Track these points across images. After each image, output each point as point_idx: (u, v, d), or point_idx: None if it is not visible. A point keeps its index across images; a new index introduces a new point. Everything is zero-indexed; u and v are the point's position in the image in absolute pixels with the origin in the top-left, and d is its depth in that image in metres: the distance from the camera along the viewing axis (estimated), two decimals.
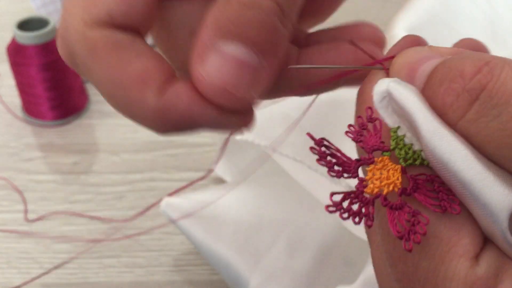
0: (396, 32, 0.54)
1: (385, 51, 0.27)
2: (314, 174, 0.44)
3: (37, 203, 0.57)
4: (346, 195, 0.21)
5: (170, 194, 0.50)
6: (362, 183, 0.21)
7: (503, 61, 0.20)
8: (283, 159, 0.46)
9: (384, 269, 0.23)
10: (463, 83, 0.20)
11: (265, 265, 0.46)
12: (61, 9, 0.68)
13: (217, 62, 0.21)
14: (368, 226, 0.20)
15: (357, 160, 0.22)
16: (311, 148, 0.22)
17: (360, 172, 0.23)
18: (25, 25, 0.62)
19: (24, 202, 0.56)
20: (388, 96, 0.22)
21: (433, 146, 0.21)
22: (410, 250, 0.20)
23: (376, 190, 0.21)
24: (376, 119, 0.23)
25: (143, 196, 0.58)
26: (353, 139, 0.23)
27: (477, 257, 0.21)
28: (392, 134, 0.23)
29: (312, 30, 0.29)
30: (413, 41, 0.25)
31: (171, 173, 0.60)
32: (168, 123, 0.23)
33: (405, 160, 0.22)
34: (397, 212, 0.21)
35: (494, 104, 0.20)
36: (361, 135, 0.23)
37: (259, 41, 0.22)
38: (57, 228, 0.55)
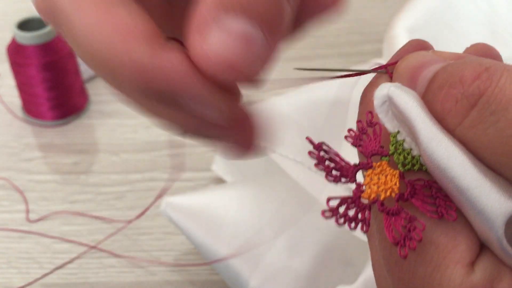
0: (396, 32, 0.54)
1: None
2: (314, 175, 0.44)
3: (37, 203, 0.57)
4: (343, 200, 0.21)
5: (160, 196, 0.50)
6: (360, 188, 0.21)
7: (502, 67, 0.20)
8: (283, 160, 0.46)
9: (383, 273, 0.23)
10: (462, 89, 0.20)
11: (265, 265, 0.46)
12: None
13: (221, 37, 0.20)
14: (364, 232, 0.20)
15: (355, 165, 0.22)
16: (310, 153, 0.22)
17: (360, 176, 0.23)
18: (25, 25, 0.62)
19: (26, 202, 0.56)
20: (388, 101, 0.23)
21: (431, 152, 0.21)
22: (405, 257, 0.20)
23: (373, 195, 0.21)
24: (376, 123, 0.23)
25: (143, 196, 0.58)
26: (352, 144, 0.23)
27: (473, 264, 0.21)
28: (391, 139, 0.23)
29: None
30: (418, 45, 0.25)
31: (171, 173, 0.60)
32: (150, 87, 0.20)
33: (404, 165, 0.22)
34: (393, 218, 0.21)
35: (492, 110, 0.20)
36: (361, 140, 0.23)
37: (265, 18, 0.20)
38: (57, 228, 0.55)
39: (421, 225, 0.20)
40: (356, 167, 0.22)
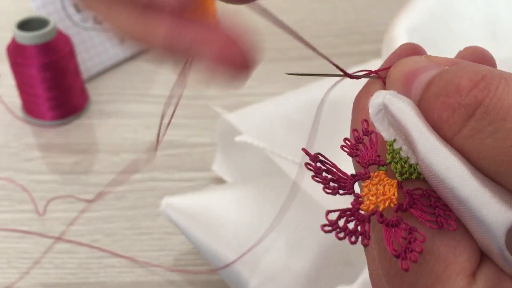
0: (396, 33, 0.54)
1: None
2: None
3: (37, 203, 0.57)
4: (342, 212, 0.21)
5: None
6: (358, 199, 0.21)
7: (499, 75, 0.20)
8: (282, 161, 0.46)
9: (381, 283, 0.23)
10: (459, 98, 0.20)
11: (265, 265, 0.46)
12: (61, 8, 0.68)
13: None
14: (364, 245, 0.20)
15: (353, 176, 0.22)
16: (306, 164, 0.22)
17: (357, 187, 0.22)
18: (25, 25, 0.62)
19: (32, 200, 0.56)
20: (384, 109, 0.22)
21: (429, 162, 0.20)
22: (407, 270, 0.20)
23: (372, 206, 0.21)
24: (372, 132, 0.23)
25: (143, 196, 0.58)
26: (349, 154, 0.23)
27: (474, 274, 0.20)
28: (388, 147, 0.23)
29: None
30: (411, 50, 0.25)
31: (171, 173, 0.60)
32: None
33: (401, 174, 0.22)
34: (393, 229, 0.20)
35: (490, 120, 0.20)
36: (357, 149, 0.23)
37: None
38: (57, 228, 0.55)
39: (422, 236, 0.20)
40: (354, 178, 0.22)
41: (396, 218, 0.21)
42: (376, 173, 0.22)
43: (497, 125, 0.19)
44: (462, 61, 0.23)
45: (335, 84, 0.26)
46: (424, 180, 0.22)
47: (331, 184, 0.22)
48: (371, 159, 0.22)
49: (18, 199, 0.58)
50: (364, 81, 0.26)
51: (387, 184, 0.22)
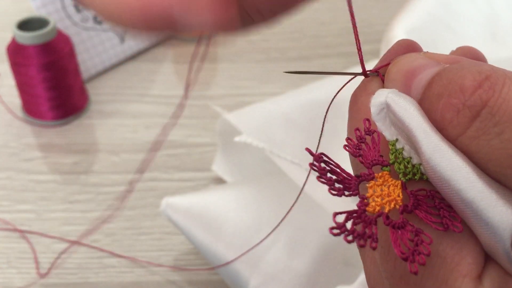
0: (396, 33, 0.54)
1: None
2: (312, 176, 0.44)
3: (37, 203, 0.57)
4: (349, 215, 0.20)
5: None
6: (363, 201, 0.21)
7: (503, 75, 0.20)
8: (281, 161, 0.46)
9: (379, 286, 0.23)
10: (463, 99, 0.20)
11: (265, 265, 0.46)
12: (61, 8, 0.68)
13: None
14: (373, 248, 0.20)
15: (357, 177, 0.22)
16: (311, 165, 0.21)
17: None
18: (25, 25, 0.62)
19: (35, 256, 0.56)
20: (386, 108, 0.22)
21: (434, 164, 0.20)
22: (416, 273, 0.19)
23: (377, 208, 0.21)
24: (374, 131, 0.22)
25: (143, 196, 0.58)
26: (352, 154, 0.22)
27: (480, 276, 0.20)
28: (390, 147, 0.22)
29: None
30: (408, 46, 0.24)
31: (171, 173, 0.60)
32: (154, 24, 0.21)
33: (405, 174, 0.22)
34: (399, 232, 0.20)
35: (495, 122, 0.19)
36: (359, 149, 0.22)
37: None
38: (57, 228, 0.55)
39: (428, 238, 0.20)
40: (358, 179, 0.21)
41: (402, 220, 0.20)
42: (380, 174, 0.22)
43: (503, 126, 0.19)
44: (462, 58, 0.23)
45: (345, 85, 0.26)
46: (428, 181, 0.21)
47: (336, 185, 0.21)
48: (375, 159, 0.22)
49: (18, 199, 0.58)
50: (359, 80, 0.25)
51: (391, 185, 0.21)
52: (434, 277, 0.20)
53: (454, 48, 0.25)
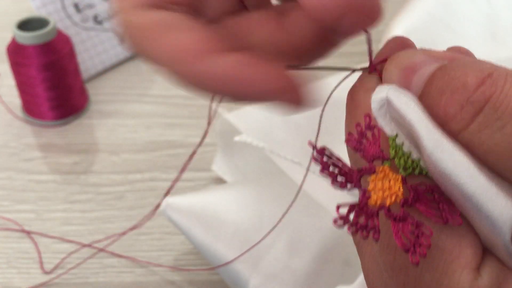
0: (395, 33, 0.54)
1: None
2: (312, 175, 0.44)
3: (37, 203, 0.57)
4: (352, 207, 0.21)
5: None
6: (365, 194, 0.21)
7: (505, 72, 0.20)
8: (281, 160, 0.46)
9: (378, 280, 0.23)
10: (466, 95, 0.20)
11: (265, 265, 0.46)
12: (61, 8, 0.68)
13: None
14: (375, 240, 0.20)
15: (358, 170, 0.22)
16: (314, 158, 0.22)
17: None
18: (25, 25, 0.62)
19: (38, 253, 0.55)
20: (387, 104, 0.22)
21: (436, 158, 0.20)
22: (417, 264, 0.20)
23: (379, 201, 0.21)
24: (375, 126, 0.23)
25: (143, 196, 0.58)
26: (354, 148, 0.23)
27: (478, 268, 0.21)
28: (391, 142, 0.23)
29: None
30: (402, 43, 0.25)
31: (171, 173, 0.60)
32: (210, 88, 0.23)
33: (405, 169, 0.22)
34: (401, 224, 0.20)
35: (498, 116, 0.20)
36: (361, 144, 0.23)
37: None
38: (57, 228, 0.55)
39: (429, 230, 0.20)
40: (360, 172, 0.22)
41: (403, 212, 0.21)
42: (381, 168, 0.22)
43: (505, 120, 0.20)
44: (460, 56, 0.23)
45: (344, 79, 0.27)
46: (427, 176, 0.22)
47: (339, 178, 0.22)
48: (376, 154, 0.22)
49: (18, 199, 0.58)
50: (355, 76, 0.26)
51: (392, 179, 0.22)
52: (433, 269, 0.21)
53: None
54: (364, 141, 0.23)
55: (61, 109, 0.65)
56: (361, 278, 0.41)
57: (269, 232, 0.43)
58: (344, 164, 0.22)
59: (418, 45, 0.25)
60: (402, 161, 0.22)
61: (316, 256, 0.46)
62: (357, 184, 0.22)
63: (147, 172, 0.60)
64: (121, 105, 0.69)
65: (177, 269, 0.51)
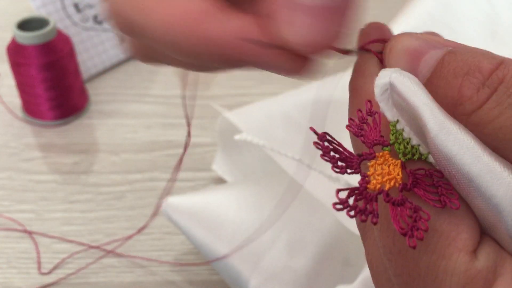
0: (395, 33, 0.54)
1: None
2: (313, 172, 0.44)
3: (37, 203, 0.57)
4: (351, 191, 0.21)
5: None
6: (365, 179, 0.21)
7: None
8: (282, 158, 0.46)
9: (380, 265, 0.23)
10: (482, 79, 0.21)
11: (265, 265, 0.46)
12: (61, 8, 0.68)
13: (304, 19, 0.22)
14: (374, 223, 0.20)
15: (359, 155, 0.22)
16: (315, 143, 0.22)
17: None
18: (25, 25, 0.62)
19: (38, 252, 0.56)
20: (390, 89, 0.22)
21: (441, 139, 0.21)
22: (414, 247, 0.20)
23: (378, 186, 0.21)
24: (376, 112, 0.23)
25: (143, 196, 0.58)
26: (354, 134, 0.23)
27: (475, 251, 0.21)
28: (391, 128, 0.23)
29: None
30: (380, 28, 0.26)
31: (171, 173, 0.60)
32: (225, 57, 0.23)
33: (404, 154, 0.22)
34: (399, 208, 0.21)
35: (510, 93, 0.21)
36: (361, 129, 0.23)
37: None
38: (57, 228, 0.55)
39: (426, 215, 0.20)
40: (360, 158, 0.22)
41: (401, 197, 0.21)
42: (381, 153, 0.22)
43: None
44: (461, 44, 0.24)
45: (336, 59, 0.27)
46: (426, 161, 0.22)
47: (339, 163, 0.22)
48: (376, 139, 0.23)
49: (18, 199, 0.58)
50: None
51: (391, 164, 0.22)
52: (431, 252, 0.21)
53: None
54: (365, 126, 0.23)
55: (61, 109, 0.65)
56: (361, 278, 0.41)
57: (263, 228, 0.43)
58: (345, 149, 0.22)
59: None
60: (401, 147, 0.22)
61: (316, 256, 0.46)
62: (357, 169, 0.22)
63: (147, 172, 0.60)
64: (121, 105, 0.69)
65: (178, 264, 0.51)
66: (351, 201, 0.21)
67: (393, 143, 0.23)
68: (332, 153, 0.22)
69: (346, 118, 0.24)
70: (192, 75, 0.30)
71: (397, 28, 0.55)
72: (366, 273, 0.41)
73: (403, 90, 0.22)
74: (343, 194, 0.21)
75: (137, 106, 0.68)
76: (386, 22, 0.62)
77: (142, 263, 0.52)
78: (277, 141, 0.48)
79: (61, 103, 0.65)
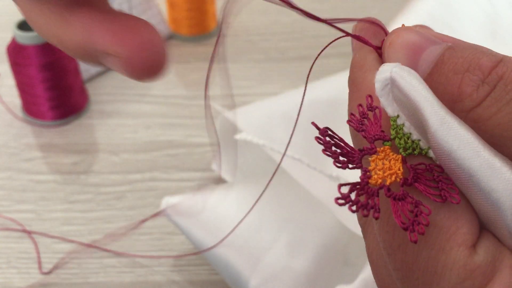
0: None
1: None
2: (313, 172, 0.44)
3: (37, 203, 0.57)
4: (353, 186, 0.21)
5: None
6: (366, 174, 0.22)
7: None
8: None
9: (381, 260, 0.24)
10: (482, 76, 0.21)
11: (265, 265, 0.46)
12: None
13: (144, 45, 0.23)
14: (375, 218, 0.20)
15: (360, 150, 0.22)
16: (317, 138, 0.22)
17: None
18: (25, 25, 0.62)
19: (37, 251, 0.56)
20: (391, 83, 0.22)
21: (442, 134, 0.21)
22: (415, 241, 0.20)
23: (379, 181, 0.21)
24: (376, 107, 0.23)
25: (143, 196, 0.58)
26: (355, 129, 0.23)
27: (474, 246, 0.21)
28: (392, 123, 0.23)
29: None
30: (373, 22, 0.26)
31: (171, 173, 0.60)
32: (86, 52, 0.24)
33: (405, 149, 0.23)
34: (400, 203, 0.21)
35: (508, 90, 0.21)
36: (362, 124, 0.23)
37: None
38: (57, 228, 0.55)
39: (427, 209, 0.21)
40: (362, 153, 0.22)
41: (402, 192, 0.21)
42: (382, 148, 0.22)
43: None
44: (459, 40, 0.24)
45: (330, 43, 0.27)
46: (426, 156, 0.22)
47: (341, 158, 0.22)
48: (377, 134, 0.23)
49: (18, 199, 0.58)
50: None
51: (392, 159, 0.22)
52: (430, 246, 0.21)
53: None
54: (366, 121, 0.23)
55: (61, 109, 0.65)
56: (361, 278, 0.41)
57: (246, 215, 0.42)
58: (346, 144, 0.22)
59: None
60: (402, 142, 0.23)
61: (316, 256, 0.46)
62: (358, 164, 0.22)
63: (147, 172, 0.60)
64: (121, 105, 0.69)
65: (178, 257, 0.51)
66: (352, 196, 0.21)
67: (394, 138, 0.23)
68: (333, 148, 0.22)
69: (344, 117, 0.25)
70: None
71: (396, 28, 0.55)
72: (366, 273, 0.41)
73: (404, 85, 0.22)
74: (345, 189, 0.21)
75: (137, 106, 0.68)
76: (386, 22, 0.62)
77: (142, 263, 0.52)
78: (277, 141, 0.48)
79: (61, 103, 0.65)
